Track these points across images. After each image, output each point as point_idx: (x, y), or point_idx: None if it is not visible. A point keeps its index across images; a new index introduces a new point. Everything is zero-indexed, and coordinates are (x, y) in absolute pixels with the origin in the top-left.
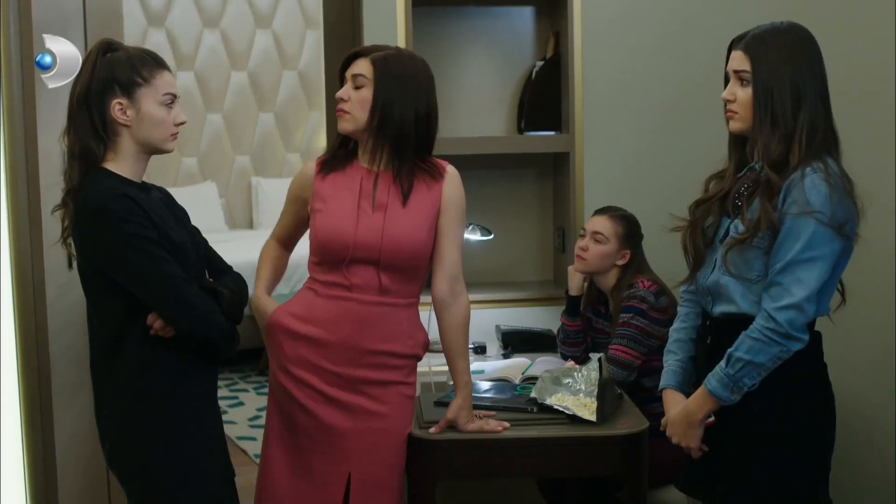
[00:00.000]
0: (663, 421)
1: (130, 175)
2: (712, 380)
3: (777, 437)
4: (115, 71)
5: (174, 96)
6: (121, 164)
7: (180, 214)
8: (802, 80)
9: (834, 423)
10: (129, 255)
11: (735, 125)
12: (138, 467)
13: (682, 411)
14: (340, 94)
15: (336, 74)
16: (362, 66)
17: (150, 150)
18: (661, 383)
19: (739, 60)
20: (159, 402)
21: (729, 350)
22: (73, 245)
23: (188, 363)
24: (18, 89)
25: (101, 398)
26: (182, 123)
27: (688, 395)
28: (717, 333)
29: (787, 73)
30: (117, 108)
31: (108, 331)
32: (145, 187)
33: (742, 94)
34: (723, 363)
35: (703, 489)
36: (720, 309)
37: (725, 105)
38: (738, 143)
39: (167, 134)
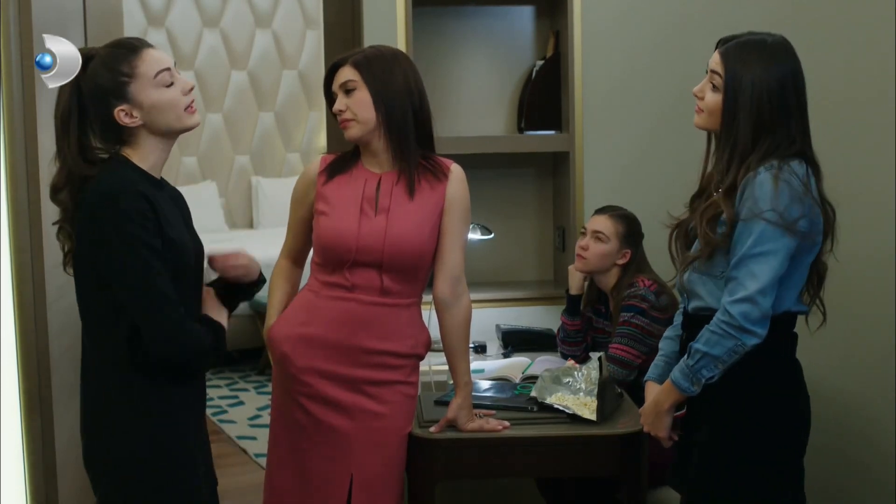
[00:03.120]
0: (639, 411)
1: (151, 166)
2: (675, 371)
3: (744, 438)
4: (98, 81)
5: (168, 69)
6: (142, 157)
7: (187, 216)
8: (772, 110)
9: (807, 425)
10: (125, 258)
11: (699, 121)
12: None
13: (651, 401)
14: (336, 107)
15: None
16: (347, 73)
17: (174, 134)
18: (645, 376)
19: (716, 63)
20: (144, 416)
21: (690, 342)
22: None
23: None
24: (18, 89)
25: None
26: (192, 89)
27: None
28: (690, 328)
29: (758, 99)
30: (122, 114)
31: (97, 330)
32: (160, 184)
33: (709, 98)
34: (685, 355)
35: (682, 486)
36: (693, 304)
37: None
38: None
39: (181, 111)
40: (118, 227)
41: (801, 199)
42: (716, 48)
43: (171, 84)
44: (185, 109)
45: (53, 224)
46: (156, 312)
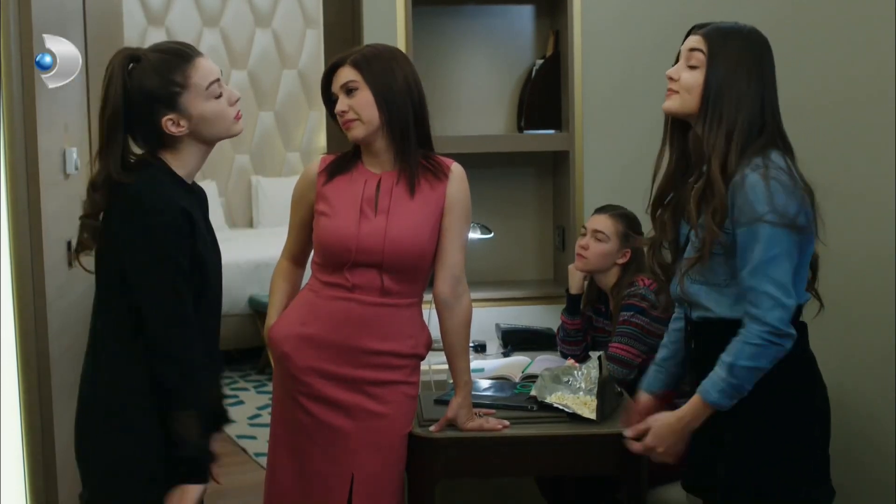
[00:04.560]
0: (636, 428)
1: (188, 171)
2: (712, 391)
3: (770, 433)
4: (147, 87)
5: (218, 79)
6: (182, 163)
7: (208, 219)
8: (749, 84)
9: (827, 415)
10: (155, 273)
11: (671, 104)
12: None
13: (676, 421)
14: (339, 108)
15: None
16: (347, 74)
17: (218, 141)
18: (640, 386)
19: (696, 42)
20: (144, 412)
21: (725, 359)
22: (86, 248)
23: None
24: (18, 89)
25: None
26: (238, 100)
27: (659, 395)
28: (699, 337)
29: (738, 73)
30: (170, 123)
31: (110, 327)
32: (191, 188)
33: (687, 77)
34: (721, 373)
35: (705, 490)
36: (697, 314)
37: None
38: (676, 129)
39: (229, 121)
40: (153, 241)
41: (793, 192)
42: (687, 35)
43: (220, 94)
44: (233, 119)
45: (80, 218)
46: (173, 332)
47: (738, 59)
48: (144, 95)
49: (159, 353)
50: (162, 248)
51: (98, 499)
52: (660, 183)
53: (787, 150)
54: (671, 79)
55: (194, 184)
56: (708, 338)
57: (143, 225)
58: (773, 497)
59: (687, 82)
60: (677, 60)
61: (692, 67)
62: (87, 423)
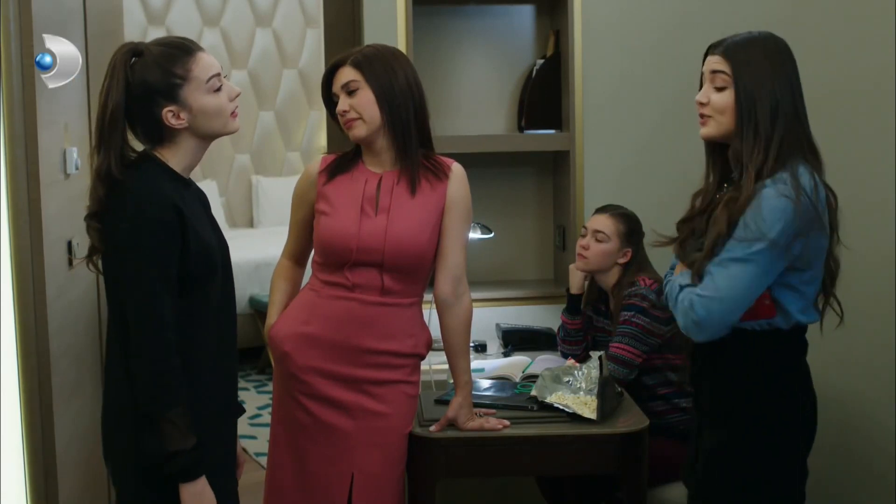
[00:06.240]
0: None
1: (185, 166)
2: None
3: (751, 436)
4: (148, 80)
5: (218, 74)
6: (179, 158)
7: (211, 214)
8: (780, 92)
9: (812, 427)
10: (134, 269)
11: (708, 130)
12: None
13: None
14: (340, 108)
15: None
16: (348, 74)
17: (215, 137)
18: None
19: (717, 63)
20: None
21: (683, 283)
22: (99, 260)
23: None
24: (18, 89)
25: (109, 403)
26: (238, 95)
27: None
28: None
29: (766, 83)
30: (170, 115)
31: (122, 326)
32: (188, 183)
33: (716, 99)
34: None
35: (689, 483)
36: None
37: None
38: (716, 152)
39: (227, 117)
40: (137, 236)
41: (806, 219)
42: (705, 55)
43: (220, 89)
44: (230, 116)
45: (85, 219)
46: (147, 332)
47: (763, 71)
48: (146, 87)
49: (133, 350)
50: (145, 244)
51: (129, 497)
52: (700, 203)
53: (815, 159)
54: (701, 104)
55: (192, 181)
56: (714, 343)
57: (132, 220)
58: (742, 497)
59: (717, 105)
60: (701, 84)
61: (719, 89)
62: (112, 423)
